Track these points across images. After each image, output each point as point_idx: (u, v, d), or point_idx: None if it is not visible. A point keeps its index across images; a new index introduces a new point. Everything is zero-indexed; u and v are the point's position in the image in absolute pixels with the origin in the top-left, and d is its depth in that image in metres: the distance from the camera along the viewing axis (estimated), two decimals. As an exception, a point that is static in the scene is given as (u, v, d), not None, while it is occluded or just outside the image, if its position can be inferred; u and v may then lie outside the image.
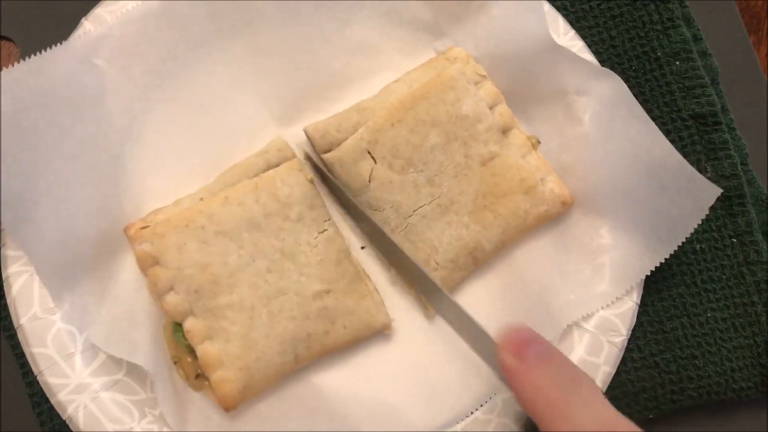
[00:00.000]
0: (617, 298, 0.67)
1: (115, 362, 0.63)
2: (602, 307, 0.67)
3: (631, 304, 0.67)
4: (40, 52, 0.61)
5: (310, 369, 0.67)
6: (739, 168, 0.73)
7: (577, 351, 0.67)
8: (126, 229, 0.65)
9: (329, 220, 0.67)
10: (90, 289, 0.63)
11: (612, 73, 0.67)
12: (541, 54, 0.68)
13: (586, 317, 0.67)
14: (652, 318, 0.71)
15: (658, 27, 0.74)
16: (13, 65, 0.59)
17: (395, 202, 0.67)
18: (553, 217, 0.69)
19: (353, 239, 0.71)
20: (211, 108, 0.70)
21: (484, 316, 0.67)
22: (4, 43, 0.75)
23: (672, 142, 0.68)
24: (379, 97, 0.69)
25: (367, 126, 0.67)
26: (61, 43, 0.63)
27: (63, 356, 0.62)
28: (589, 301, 0.67)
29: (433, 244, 0.67)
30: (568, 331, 0.67)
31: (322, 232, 0.66)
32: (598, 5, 0.76)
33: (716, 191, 0.64)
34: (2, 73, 0.58)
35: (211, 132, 0.70)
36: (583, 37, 0.73)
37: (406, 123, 0.66)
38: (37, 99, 0.60)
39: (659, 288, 0.71)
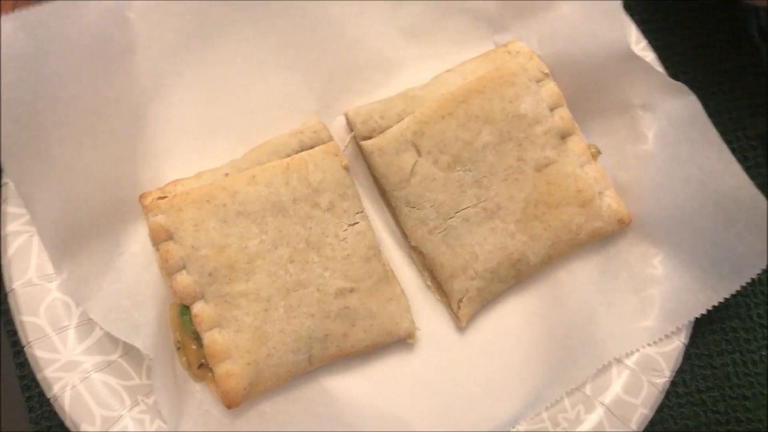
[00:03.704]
0: (665, 336, 0.61)
1: (111, 341, 0.58)
2: (647, 344, 0.61)
3: (678, 343, 0.61)
4: None
5: (321, 372, 0.61)
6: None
7: (614, 388, 0.61)
8: (141, 197, 0.59)
9: (362, 212, 0.61)
10: (93, 258, 0.57)
11: (686, 89, 0.61)
12: (612, 61, 0.62)
13: (629, 353, 0.61)
14: (700, 351, 0.66)
15: (729, 37, 0.69)
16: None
17: (437, 200, 0.61)
18: (606, 236, 0.64)
19: (386, 236, 0.65)
20: (246, 78, 0.64)
21: (520, 337, 0.62)
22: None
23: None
24: (429, 86, 0.64)
25: (414, 116, 0.61)
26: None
27: (55, 329, 0.57)
28: (633, 336, 0.61)
29: (474, 250, 0.61)
30: (606, 364, 0.61)
31: (352, 225, 0.60)
32: (666, 8, 0.71)
33: None
34: (26, 12, 0.53)
35: (244, 104, 0.64)
36: (646, 39, 0.68)
37: (457, 117, 0.61)
38: (61, 45, 0.55)
39: (710, 319, 0.65)
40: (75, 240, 0.56)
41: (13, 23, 0.51)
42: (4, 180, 0.58)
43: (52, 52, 0.54)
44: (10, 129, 0.52)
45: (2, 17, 0.51)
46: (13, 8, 0.60)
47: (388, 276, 0.61)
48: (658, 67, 0.66)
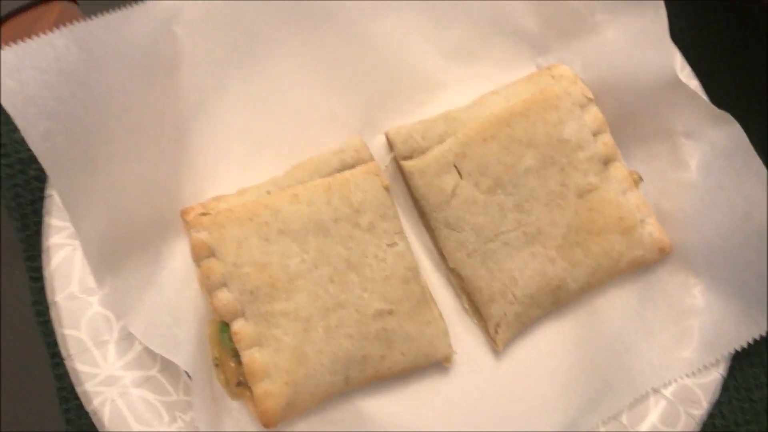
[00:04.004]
0: (703, 367, 0.61)
1: (150, 356, 0.57)
2: (685, 375, 0.61)
3: (716, 375, 0.61)
4: (107, 12, 0.55)
5: (356, 393, 0.60)
6: None
7: (651, 418, 0.60)
8: (183, 213, 0.59)
9: (401, 233, 0.61)
10: (135, 273, 0.57)
11: (731, 118, 0.61)
12: (656, 88, 0.62)
13: (666, 383, 0.61)
14: (739, 384, 0.65)
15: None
16: (76, 22, 0.53)
17: (477, 224, 0.61)
18: (647, 265, 0.63)
19: (424, 257, 0.65)
20: (290, 95, 0.64)
21: (556, 364, 0.62)
22: (63, 2, 0.69)
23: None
24: (472, 108, 0.63)
25: (456, 137, 0.61)
26: (137, 3, 0.57)
27: (96, 343, 0.57)
28: (671, 366, 0.61)
29: (513, 275, 0.61)
30: (643, 394, 0.61)
31: (392, 246, 0.60)
32: (711, 35, 0.71)
33: None
34: (76, 26, 0.53)
35: (287, 121, 0.64)
36: (690, 66, 0.67)
37: (500, 140, 0.61)
38: (110, 60, 0.55)
39: (749, 352, 0.63)
40: (117, 254, 0.56)
41: (66, 38, 0.52)
42: (48, 192, 0.58)
43: (101, 67, 0.54)
44: (60, 143, 0.52)
45: (57, 32, 0.51)
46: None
47: (426, 298, 0.61)
48: (702, 95, 0.66)
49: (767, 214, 0.58)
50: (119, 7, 0.56)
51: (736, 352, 0.61)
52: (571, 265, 0.61)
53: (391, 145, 0.63)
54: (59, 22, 0.57)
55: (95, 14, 0.55)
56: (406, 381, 0.61)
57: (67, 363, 0.56)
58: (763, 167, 0.59)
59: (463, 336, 0.63)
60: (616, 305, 0.64)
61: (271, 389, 0.56)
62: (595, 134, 0.62)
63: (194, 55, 0.62)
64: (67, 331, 0.56)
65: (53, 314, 0.57)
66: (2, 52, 0.49)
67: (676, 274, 0.63)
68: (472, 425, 0.61)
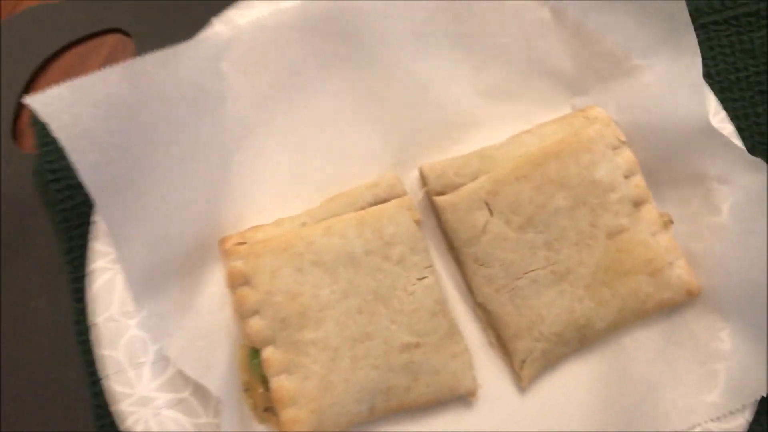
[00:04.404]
0: (729, 413, 0.60)
1: (183, 379, 0.59)
2: (710, 420, 0.60)
3: (742, 421, 0.60)
4: (161, 49, 0.58)
5: (380, 422, 0.61)
6: None
7: (674, 462, 0.60)
8: (221, 242, 0.61)
9: (431, 267, 0.62)
10: (173, 297, 0.59)
11: (764, 164, 0.61)
12: (690, 133, 0.63)
13: (690, 428, 0.60)
14: (764, 430, 0.63)
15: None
16: (131, 58, 0.56)
17: (506, 260, 0.62)
18: (674, 306, 0.63)
19: (452, 290, 0.66)
20: (329, 130, 0.66)
21: (580, 403, 0.62)
22: (116, 35, 0.72)
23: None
24: (505, 146, 0.65)
25: (489, 176, 0.62)
26: (186, 41, 0.60)
27: (132, 364, 0.59)
28: (696, 410, 0.61)
29: (540, 312, 0.61)
30: (668, 437, 0.60)
31: (421, 279, 0.61)
32: (747, 78, 0.71)
33: None
34: (129, 63, 0.56)
35: (325, 155, 0.66)
36: (725, 109, 0.67)
37: (533, 179, 0.62)
38: (159, 95, 0.58)
39: None
40: (157, 279, 0.58)
41: (119, 75, 0.55)
42: (94, 218, 0.61)
43: (151, 101, 0.57)
44: (108, 173, 0.55)
45: (110, 69, 0.54)
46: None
47: (453, 331, 0.61)
48: (736, 140, 0.66)
49: None
50: (169, 41, 0.59)
51: (764, 398, 0.60)
52: (599, 304, 0.61)
53: (424, 180, 0.65)
54: (112, 57, 0.61)
55: (146, 48, 0.57)
56: (429, 413, 0.62)
57: (104, 382, 0.58)
58: None
59: (489, 371, 0.64)
60: (642, 345, 0.63)
61: (297, 416, 0.57)
62: (627, 176, 0.63)
63: (239, 90, 0.64)
64: (106, 352, 0.59)
65: (93, 335, 0.59)
66: (59, 88, 0.52)
67: (703, 317, 0.63)
68: (494, 462, 0.61)
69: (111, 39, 0.71)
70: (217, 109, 0.63)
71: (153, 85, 0.57)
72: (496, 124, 0.68)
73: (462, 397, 0.62)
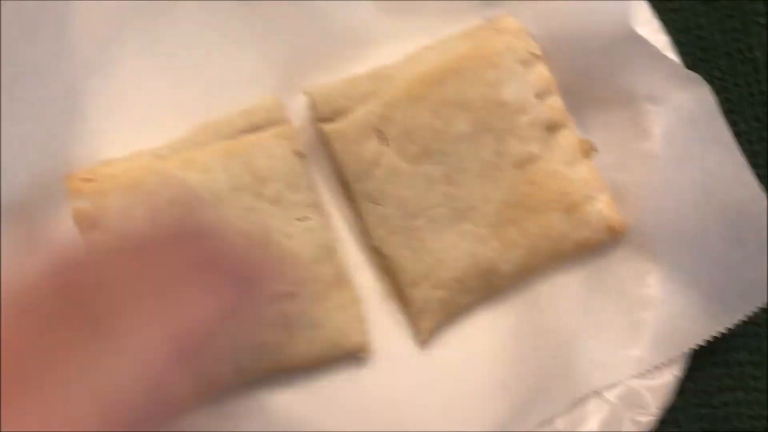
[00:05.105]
0: (654, 368, 0.53)
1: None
2: (633, 376, 0.53)
3: (670, 377, 0.53)
4: None
5: (259, 386, 0.54)
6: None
7: (590, 424, 0.52)
8: (66, 179, 0.53)
9: (314, 206, 0.54)
10: (17, 244, 0.52)
11: (701, 79, 0.52)
12: (615, 44, 0.53)
13: (610, 386, 0.53)
14: (697, 386, 0.56)
15: (763, 20, 0.60)
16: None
17: (401, 197, 0.53)
18: (596, 248, 0.55)
19: (347, 235, 0.58)
20: (199, 49, 0.57)
21: (489, 359, 0.55)
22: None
23: (757, 166, 0.53)
24: (403, 64, 0.56)
25: (381, 97, 0.54)
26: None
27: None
28: (617, 365, 0.53)
29: (440, 256, 0.53)
30: (582, 397, 0.53)
31: (301, 220, 0.53)
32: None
33: None
34: None
35: (196, 79, 0.57)
36: (663, 22, 0.58)
37: (430, 101, 0.53)
38: None
39: (712, 349, 0.54)
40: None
41: None
42: None
43: None
44: None
45: None
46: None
47: (340, 280, 0.53)
48: (671, 53, 0.57)
49: (731, 192, 0.50)
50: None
51: (695, 351, 0.52)
52: (505, 246, 0.53)
53: (311, 105, 0.56)
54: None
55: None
56: (317, 374, 0.55)
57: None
58: (730, 136, 0.51)
59: (386, 325, 0.56)
60: (559, 294, 0.55)
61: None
62: (540, 96, 0.54)
63: (88, 4, 0.55)
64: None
65: None
66: None
67: (629, 259, 0.55)
68: (391, 425, 0.54)
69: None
70: (63, 26, 0.54)
71: None
72: (397, 40, 0.58)
73: (354, 355, 0.55)
